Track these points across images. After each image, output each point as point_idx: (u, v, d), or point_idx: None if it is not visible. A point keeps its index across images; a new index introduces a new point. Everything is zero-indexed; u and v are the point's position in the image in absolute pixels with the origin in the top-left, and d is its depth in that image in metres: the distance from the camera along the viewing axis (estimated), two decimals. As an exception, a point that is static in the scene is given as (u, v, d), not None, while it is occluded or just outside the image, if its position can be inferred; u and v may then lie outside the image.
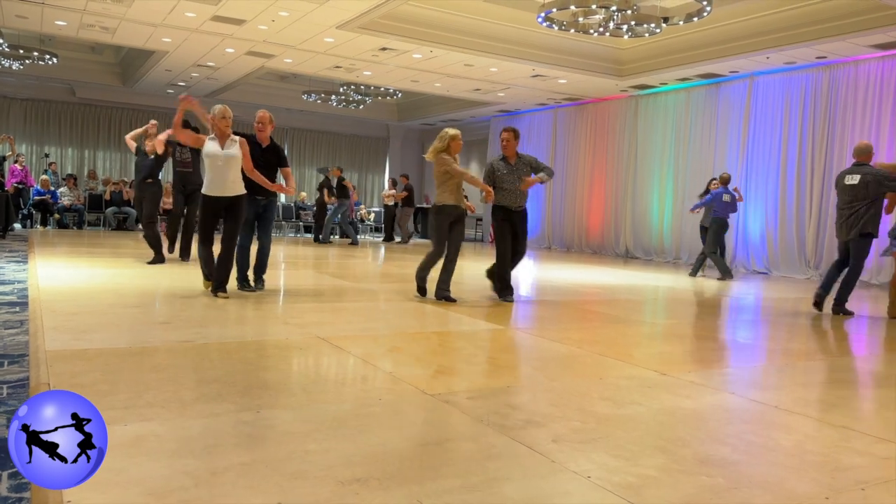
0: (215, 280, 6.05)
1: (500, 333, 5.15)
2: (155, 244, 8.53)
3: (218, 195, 5.97)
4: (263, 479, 2.17)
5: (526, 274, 10.50)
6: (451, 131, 6.56)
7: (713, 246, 10.78)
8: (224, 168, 5.94)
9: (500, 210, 6.74)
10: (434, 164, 6.60)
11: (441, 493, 2.15)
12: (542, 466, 2.42)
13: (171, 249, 9.08)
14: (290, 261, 10.79)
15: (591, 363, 4.16)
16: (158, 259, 8.47)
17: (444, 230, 6.53)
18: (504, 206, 6.70)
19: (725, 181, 10.88)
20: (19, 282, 6.35)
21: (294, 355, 4.05)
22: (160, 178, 8.99)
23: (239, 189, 6.04)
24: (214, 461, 2.30)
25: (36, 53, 14.01)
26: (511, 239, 6.80)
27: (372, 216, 19.66)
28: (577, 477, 2.34)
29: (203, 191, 6.07)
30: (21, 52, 13.95)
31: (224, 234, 6.05)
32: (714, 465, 2.50)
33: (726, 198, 10.64)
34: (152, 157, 8.59)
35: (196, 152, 8.30)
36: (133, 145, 8.82)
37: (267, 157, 6.43)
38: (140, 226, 15.28)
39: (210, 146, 5.99)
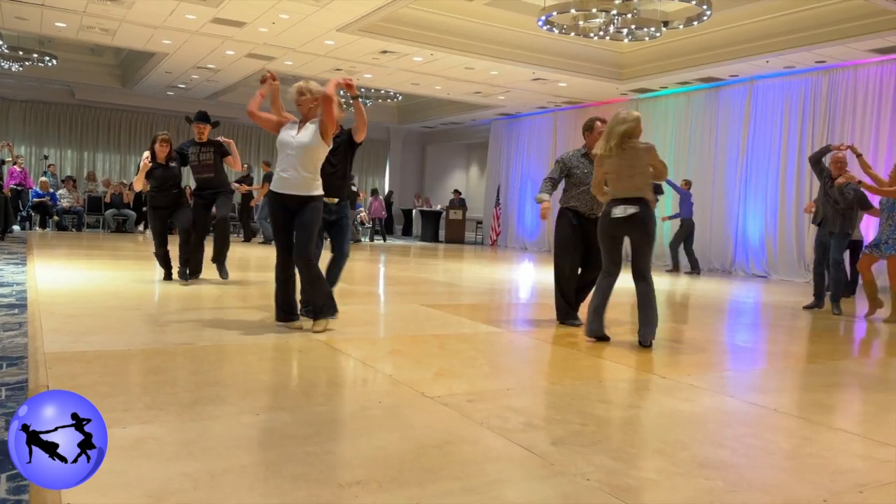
0: (313, 307, 4.85)
1: (499, 336, 5.15)
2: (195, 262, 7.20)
3: (284, 192, 4.66)
4: (263, 482, 2.17)
5: (524, 276, 10.50)
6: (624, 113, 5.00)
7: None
8: (294, 158, 4.64)
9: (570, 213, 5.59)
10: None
11: (441, 495, 2.15)
12: (542, 469, 2.42)
13: (186, 265, 7.12)
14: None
15: (590, 366, 4.16)
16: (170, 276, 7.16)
17: (605, 243, 4.90)
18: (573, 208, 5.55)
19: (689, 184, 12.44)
20: (18, 284, 6.35)
21: (294, 358, 4.05)
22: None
23: (312, 188, 4.69)
24: (214, 463, 2.30)
25: (35, 55, 14.01)
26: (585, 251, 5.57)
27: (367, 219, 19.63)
28: (576, 479, 2.34)
29: (271, 187, 4.85)
30: (20, 53, 13.94)
31: (295, 247, 4.71)
32: (713, 468, 2.51)
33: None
34: (173, 164, 7.00)
35: (220, 154, 7.10)
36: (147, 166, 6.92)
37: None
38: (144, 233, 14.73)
39: (283, 133, 4.79)
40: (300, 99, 4.70)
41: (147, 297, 6.18)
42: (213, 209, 7.23)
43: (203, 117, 7.22)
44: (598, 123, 5.53)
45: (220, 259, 7.25)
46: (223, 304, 5.83)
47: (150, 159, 6.90)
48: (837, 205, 7.21)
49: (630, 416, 3.20)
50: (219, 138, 7.21)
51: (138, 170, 7.08)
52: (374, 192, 19.47)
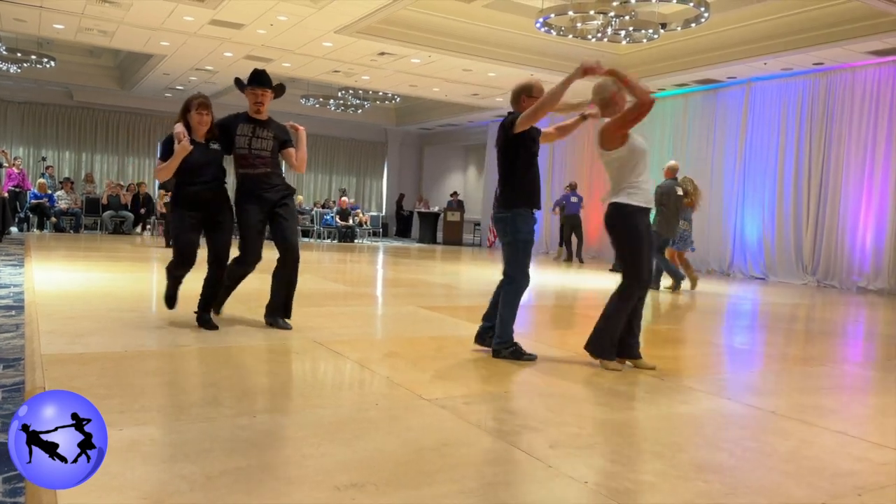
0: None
1: (497, 338, 5.13)
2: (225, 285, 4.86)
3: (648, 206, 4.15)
4: (259, 484, 2.16)
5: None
6: None
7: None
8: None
9: None
10: None
11: (438, 498, 2.14)
12: (539, 472, 2.41)
13: (207, 308, 4.75)
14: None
15: (588, 368, 4.15)
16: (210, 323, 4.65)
17: None
18: None
19: (574, 187, 14.79)
20: (15, 285, 6.34)
21: (291, 360, 4.04)
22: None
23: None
24: (210, 466, 2.29)
25: (34, 56, 14.00)
26: None
27: (369, 220, 19.64)
28: (574, 482, 2.33)
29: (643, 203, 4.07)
30: (19, 55, 13.94)
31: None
32: (711, 471, 2.50)
33: (574, 199, 14.63)
34: (215, 146, 4.67)
35: (281, 142, 4.80)
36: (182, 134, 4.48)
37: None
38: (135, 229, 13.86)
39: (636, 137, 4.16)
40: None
41: (144, 298, 6.17)
42: (281, 228, 4.73)
43: (260, 78, 4.77)
44: None
45: (287, 304, 4.85)
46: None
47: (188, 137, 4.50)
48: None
49: (628, 418, 3.19)
50: (288, 124, 4.99)
51: (164, 151, 4.53)
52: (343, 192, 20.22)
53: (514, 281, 4.23)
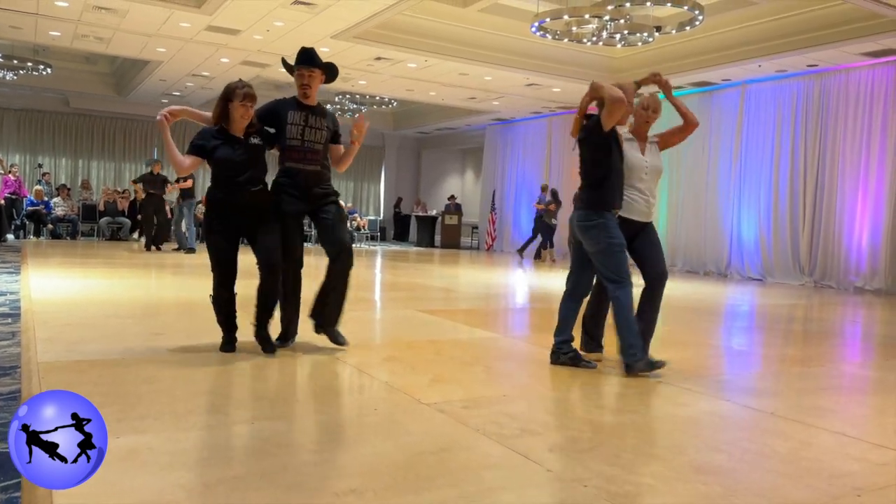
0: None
1: (495, 342, 5.14)
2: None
3: (639, 219, 4.21)
4: (258, 492, 2.15)
5: (520, 281, 10.50)
6: None
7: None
8: (651, 184, 4.24)
9: None
10: None
11: (437, 503, 2.14)
12: (539, 475, 2.41)
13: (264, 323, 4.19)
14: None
15: (587, 371, 4.15)
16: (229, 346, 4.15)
17: None
18: None
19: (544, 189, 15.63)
20: (12, 293, 6.32)
21: (289, 365, 4.03)
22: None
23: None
24: (208, 473, 2.28)
25: (30, 64, 13.99)
26: None
27: (367, 224, 19.61)
28: (574, 485, 2.33)
29: (624, 213, 4.14)
30: (15, 62, 13.93)
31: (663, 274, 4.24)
32: (710, 473, 2.50)
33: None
34: (256, 140, 4.06)
35: (332, 133, 4.26)
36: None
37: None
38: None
39: (630, 151, 4.22)
40: (647, 114, 4.28)
41: (142, 305, 6.16)
42: (331, 229, 4.18)
43: (308, 57, 4.19)
44: None
45: (335, 313, 4.28)
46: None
47: (167, 118, 4.04)
48: None
49: (627, 421, 3.19)
50: (359, 115, 4.31)
51: (191, 147, 4.08)
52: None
53: (623, 285, 3.98)
